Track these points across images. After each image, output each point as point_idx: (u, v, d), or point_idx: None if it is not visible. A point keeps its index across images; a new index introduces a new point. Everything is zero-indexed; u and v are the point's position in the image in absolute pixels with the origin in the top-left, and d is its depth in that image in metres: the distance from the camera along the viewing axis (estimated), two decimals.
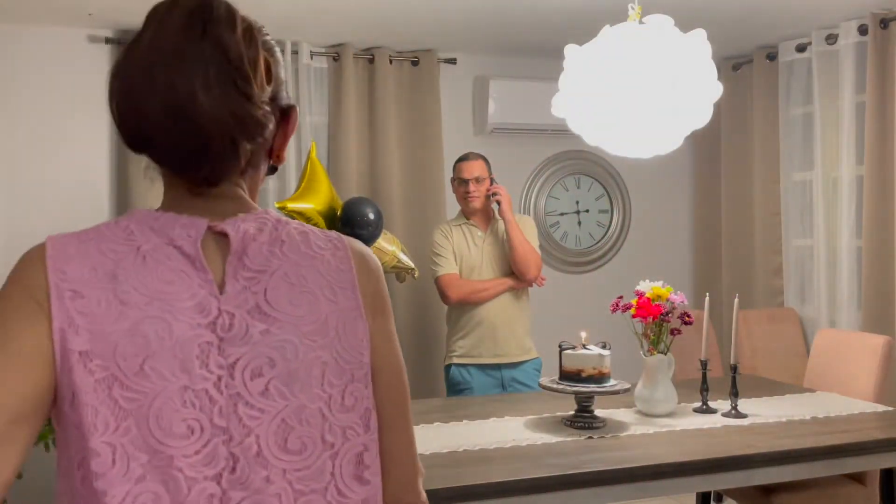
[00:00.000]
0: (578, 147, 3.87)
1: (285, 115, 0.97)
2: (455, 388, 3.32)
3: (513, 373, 3.32)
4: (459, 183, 3.39)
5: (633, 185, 4.63)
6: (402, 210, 4.06)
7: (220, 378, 0.84)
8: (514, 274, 3.34)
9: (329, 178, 3.43)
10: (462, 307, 3.32)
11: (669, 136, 2.53)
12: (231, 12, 0.90)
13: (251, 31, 0.91)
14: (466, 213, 3.44)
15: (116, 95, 0.93)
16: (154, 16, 0.90)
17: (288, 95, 0.98)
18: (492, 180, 3.41)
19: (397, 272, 3.57)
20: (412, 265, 3.62)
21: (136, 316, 0.82)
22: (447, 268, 3.32)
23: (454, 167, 3.45)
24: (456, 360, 3.33)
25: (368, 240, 3.46)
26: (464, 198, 3.38)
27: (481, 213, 3.42)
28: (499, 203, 3.35)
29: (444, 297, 3.34)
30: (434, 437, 2.37)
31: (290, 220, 0.96)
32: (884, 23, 3.57)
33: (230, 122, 0.87)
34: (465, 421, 2.58)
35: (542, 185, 4.43)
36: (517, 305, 3.38)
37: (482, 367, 3.32)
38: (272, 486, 0.84)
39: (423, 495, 1.02)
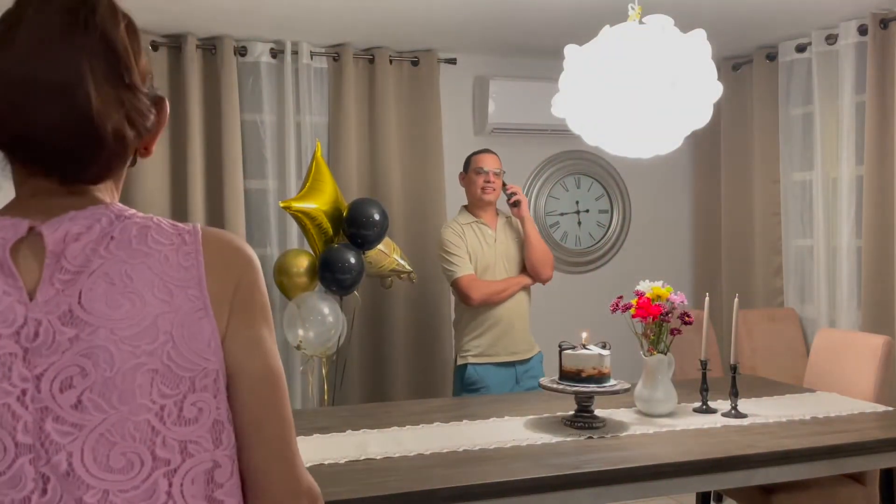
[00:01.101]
0: (578, 147, 3.87)
1: (158, 107, 0.94)
2: (471, 388, 3.31)
3: (524, 368, 3.34)
4: (477, 173, 3.36)
5: (633, 185, 4.63)
6: (402, 210, 4.06)
7: (24, 391, 0.77)
8: (527, 272, 3.35)
9: (318, 176, 3.42)
10: (477, 308, 3.32)
11: (669, 136, 2.53)
12: (113, 5, 0.87)
13: (132, 24, 0.90)
14: (477, 207, 3.40)
15: None
16: (26, 7, 0.84)
17: (156, 87, 0.95)
18: (504, 181, 3.42)
19: (383, 277, 3.58)
20: (410, 269, 3.62)
21: None
22: (465, 269, 3.28)
23: (470, 159, 3.42)
24: (472, 360, 3.31)
25: (374, 241, 3.46)
26: (481, 189, 3.34)
27: (490, 211, 3.41)
28: (517, 203, 3.36)
29: (465, 298, 3.29)
30: (434, 437, 2.37)
31: (137, 214, 0.88)
32: (884, 23, 3.57)
33: (121, 116, 0.85)
34: (465, 421, 2.58)
35: (542, 185, 4.43)
36: (527, 303, 3.40)
37: (498, 366, 3.32)
38: None
39: None
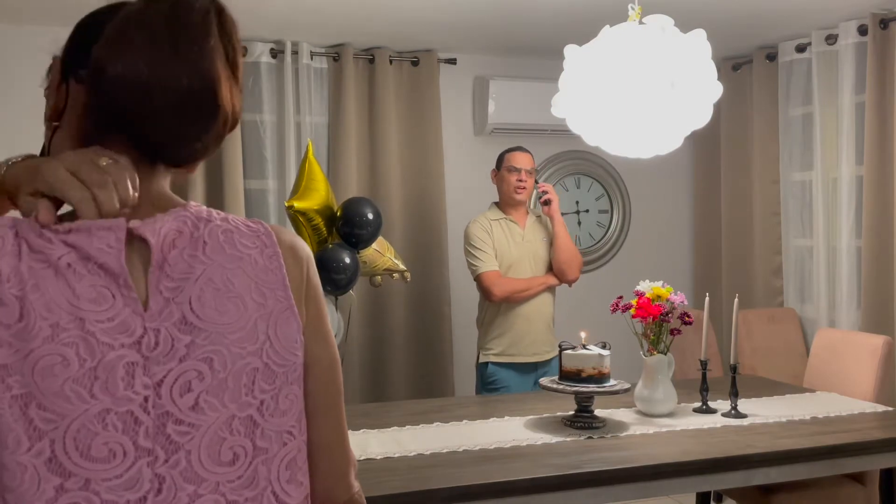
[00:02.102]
0: (578, 147, 3.87)
1: None
2: (490, 387, 3.31)
3: (545, 369, 3.32)
4: (510, 171, 3.35)
5: (633, 185, 4.63)
6: (401, 210, 4.06)
7: (146, 398, 0.81)
8: (553, 272, 3.35)
9: (326, 178, 3.42)
10: (499, 306, 3.31)
11: (669, 136, 2.53)
12: (221, 5, 0.91)
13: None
14: (508, 205, 3.39)
15: (118, 66, 0.83)
16: (158, 8, 0.86)
17: None
18: (536, 179, 3.41)
19: (372, 275, 3.58)
20: (404, 268, 3.62)
21: (53, 333, 0.77)
22: (490, 264, 3.28)
23: (503, 157, 3.40)
24: (493, 359, 3.31)
25: (368, 240, 3.45)
26: (513, 187, 3.33)
27: (520, 209, 3.40)
28: (548, 202, 3.35)
29: (488, 294, 3.29)
30: (434, 437, 2.37)
31: (213, 215, 0.91)
32: (883, 23, 3.57)
33: (234, 107, 0.90)
34: (465, 421, 2.58)
35: None
36: (551, 303, 3.39)
37: (519, 366, 3.31)
38: (200, 500, 0.82)
39: (356, 487, 1.04)
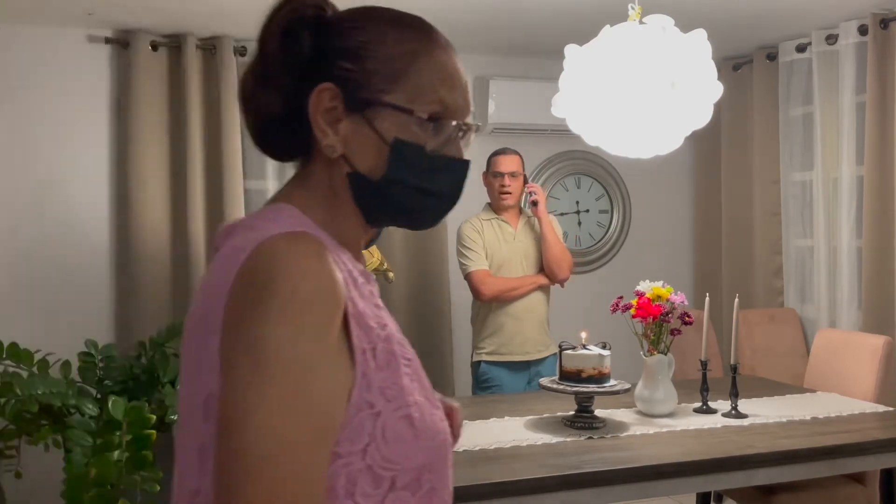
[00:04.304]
0: (578, 147, 3.87)
1: None
2: (483, 386, 3.32)
3: (538, 368, 3.33)
4: (494, 176, 3.36)
5: (633, 185, 4.63)
6: None
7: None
8: (544, 272, 3.35)
9: None
10: (490, 305, 3.31)
11: (669, 136, 2.53)
12: None
13: None
14: (497, 208, 3.42)
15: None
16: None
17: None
18: (525, 178, 3.41)
19: (386, 273, 3.58)
20: (388, 268, 3.62)
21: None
22: (479, 263, 3.29)
23: (489, 160, 3.42)
24: (485, 358, 3.32)
25: (370, 240, 3.46)
26: (498, 192, 3.35)
27: (512, 210, 3.41)
28: (535, 203, 3.35)
29: (477, 293, 3.31)
30: None
31: (262, 220, 0.84)
32: (884, 23, 3.57)
33: None
34: (464, 421, 2.57)
35: (542, 185, 4.43)
36: (544, 303, 3.39)
37: (511, 365, 3.31)
38: None
39: None
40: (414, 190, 0.86)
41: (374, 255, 3.51)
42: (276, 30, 0.86)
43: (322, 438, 0.72)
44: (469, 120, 0.90)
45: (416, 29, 0.87)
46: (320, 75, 0.85)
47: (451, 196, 0.90)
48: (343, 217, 0.88)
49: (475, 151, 3.95)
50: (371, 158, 0.85)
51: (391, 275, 3.54)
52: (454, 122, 0.87)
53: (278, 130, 0.89)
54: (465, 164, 0.89)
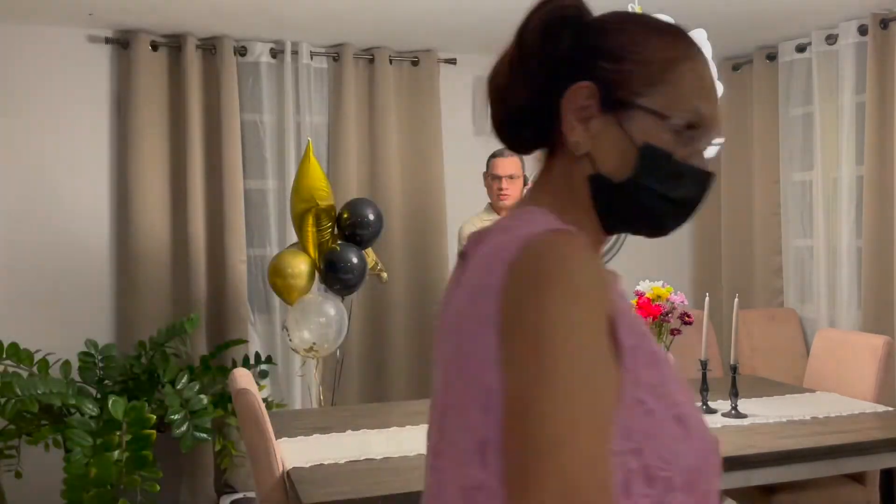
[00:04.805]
0: None
1: None
2: None
3: None
4: (493, 179, 3.37)
5: None
6: (401, 210, 4.06)
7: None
8: None
9: (308, 175, 3.37)
10: None
11: None
12: None
13: None
14: (497, 210, 3.42)
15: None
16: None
17: None
18: (526, 178, 3.41)
19: (379, 273, 3.58)
20: (383, 268, 3.62)
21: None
22: None
23: (488, 162, 3.42)
24: None
25: (368, 240, 3.46)
26: (496, 195, 3.35)
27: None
28: None
29: None
30: None
31: (518, 221, 0.84)
32: (884, 23, 3.57)
33: None
34: None
35: None
36: None
37: None
38: None
39: None
40: (657, 196, 0.86)
41: (369, 256, 3.52)
42: (537, 26, 0.90)
43: (606, 428, 0.71)
44: (718, 135, 0.90)
45: (677, 37, 0.87)
46: (576, 73, 0.86)
47: (692, 206, 0.89)
48: (585, 222, 0.88)
49: (476, 151, 3.96)
50: (616, 160, 0.85)
51: (384, 275, 3.54)
52: (705, 134, 0.87)
53: (523, 123, 0.91)
54: (710, 177, 0.89)
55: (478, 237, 0.87)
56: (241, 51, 3.84)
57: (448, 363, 0.82)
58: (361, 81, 4.03)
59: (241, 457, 3.53)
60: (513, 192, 3.34)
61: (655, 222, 0.90)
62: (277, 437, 2.23)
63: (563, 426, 0.67)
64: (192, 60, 3.71)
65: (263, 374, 3.64)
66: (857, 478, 2.85)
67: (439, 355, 0.85)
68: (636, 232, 0.93)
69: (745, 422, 2.53)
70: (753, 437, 2.35)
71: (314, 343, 3.33)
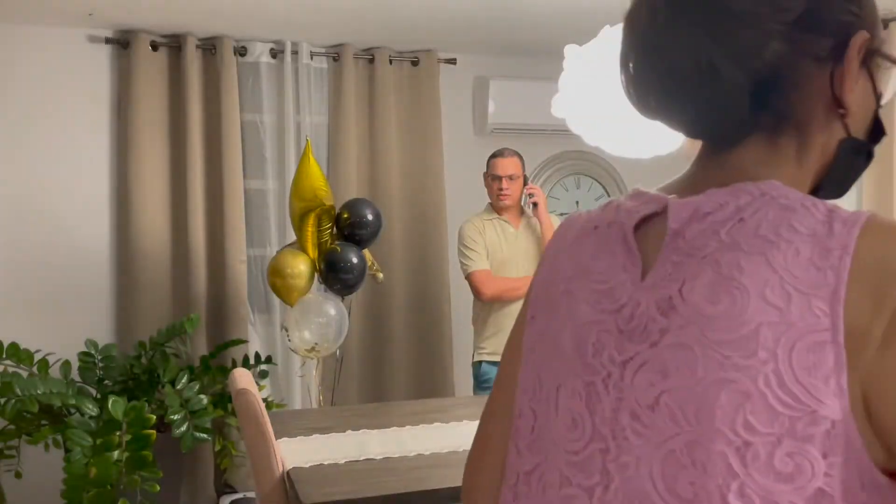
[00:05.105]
0: (578, 147, 3.87)
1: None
2: (484, 386, 3.32)
3: None
4: (493, 179, 3.38)
5: (634, 185, 4.60)
6: (401, 210, 4.06)
7: (608, 375, 0.70)
8: None
9: (307, 175, 3.37)
10: (491, 305, 3.32)
11: (669, 136, 2.53)
12: None
13: None
14: (497, 210, 3.43)
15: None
16: None
17: None
18: (526, 178, 3.42)
19: (375, 273, 3.58)
20: (378, 268, 3.61)
21: (562, 285, 0.79)
22: (480, 264, 3.30)
23: (488, 162, 3.42)
24: (487, 358, 3.32)
25: (367, 240, 3.46)
26: (496, 195, 3.36)
27: (513, 210, 3.41)
28: (535, 204, 3.36)
29: (477, 293, 3.32)
30: (434, 438, 2.37)
31: (793, 194, 0.68)
32: (884, 23, 3.57)
33: None
34: (465, 421, 2.58)
35: (542, 185, 4.43)
36: None
37: None
38: None
39: None
40: (870, 155, 0.77)
41: (366, 256, 3.52)
42: None
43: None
44: None
45: None
46: (820, 25, 0.70)
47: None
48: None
49: (476, 151, 3.97)
50: (864, 118, 0.75)
51: (380, 276, 3.54)
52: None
53: (757, 94, 0.70)
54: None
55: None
56: (241, 51, 3.84)
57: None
58: (361, 81, 4.03)
59: (241, 457, 3.53)
60: (513, 192, 3.35)
61: (852, 183, 0.79)
62: (277, 437, 2.23)
63: None
64: (192, 60, 3.71)
65: (263, 375, 3.64)
66: None
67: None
68: (836, 196, 0.78)
69: None
70: None
71: (316, 343, 3.33)
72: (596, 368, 0.71)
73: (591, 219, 0.82)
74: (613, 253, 0.75)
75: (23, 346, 3.20)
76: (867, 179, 3.63)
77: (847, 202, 0.72)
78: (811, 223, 0.65)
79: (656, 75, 0.75)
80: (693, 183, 0.75)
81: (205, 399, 3.11)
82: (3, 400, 2.88)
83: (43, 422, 3.10)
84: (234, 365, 3.49)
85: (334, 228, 3.42)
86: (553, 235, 0.86)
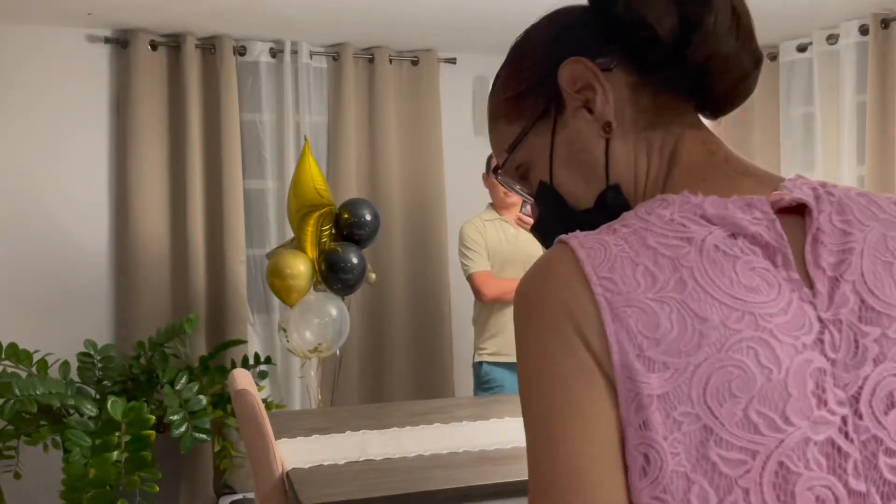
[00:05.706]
0: None
1: None
2: (485, 386, 3.31)
3: None
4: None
5: None
6: (401, 210, 4.05)
7: (844, 420, 0.58)
8: None
9: (306, 175, 3.36)
10: (492, 306, 3.31)
11: None
12: None
13: None
14: (501, 206, 3.40)
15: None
16: None
17: None
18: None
19: (367, 273, 3.58)
20: (371, 271, 3.61)
21: (721, 337, 0.58)
22: (480, 265, 3.29)
23: (489, 162, 3.39)
24: (487, 359, 3.32)
25: (366, 240, 3.46)
26: (503, 194, 3.32)
27: (514, 210, 3.40)
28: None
29: (478, 294, 3.31)
30: (434, 438, 2.36)
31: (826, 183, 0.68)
32: (885, 23, 3.56)
33: None
34: (464, 422, 2.57)
35: None
36: None
37: (512, 366, 3.30)
38: None
39: None
40: None
41: None
42: None
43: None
44: None
45: None
46: None
47: None
48: None
49: (476, 151, 3.97)
50: None
51: (373, 276, 3.54)
52: None
53: None
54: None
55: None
56: (241, 50, 3.83)
57: None
58: (361, 81, 4.03)
59: (240, 457, 3.53)
60: None
61: None
62: (277, 437, 2.22)
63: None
64: (192, 60, 3.71)
65: (263, 375, 3.64)
66: None
67: None
68: None
69: None
70: None
71: (319, 344, 3.33)
72: (828, 419, 0.58)
73: (666, 232, 0.63)
74: (768, 273, 0.62)
75: (22, 346, 3.19)
76: (869, 175, 3.63)
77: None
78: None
79: None
80: (736, 177, 0.71)
81: (204, 399, 3.10)
82: (2, 400, 2.87)
83: (42, 422, 3.09)
84: (234, 365, 3.48)
85: (334, 228, 3.42)
86: (589, 280, 0.61)
